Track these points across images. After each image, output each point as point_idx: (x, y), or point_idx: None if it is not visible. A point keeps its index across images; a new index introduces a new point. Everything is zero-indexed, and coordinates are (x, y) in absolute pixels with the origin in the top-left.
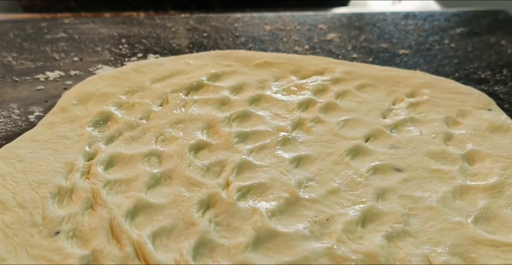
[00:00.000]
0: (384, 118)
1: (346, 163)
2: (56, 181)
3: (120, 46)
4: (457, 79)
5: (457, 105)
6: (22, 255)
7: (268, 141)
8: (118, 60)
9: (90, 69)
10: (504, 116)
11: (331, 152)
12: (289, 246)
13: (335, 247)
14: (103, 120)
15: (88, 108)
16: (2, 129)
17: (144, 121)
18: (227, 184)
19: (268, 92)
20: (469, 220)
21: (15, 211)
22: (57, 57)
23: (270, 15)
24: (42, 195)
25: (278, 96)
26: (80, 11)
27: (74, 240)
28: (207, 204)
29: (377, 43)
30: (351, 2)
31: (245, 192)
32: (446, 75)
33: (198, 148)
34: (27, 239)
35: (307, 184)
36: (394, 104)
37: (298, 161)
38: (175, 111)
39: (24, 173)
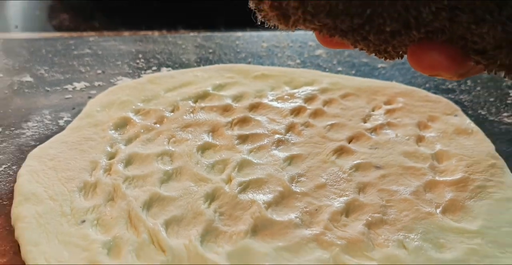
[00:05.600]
0: (365, 122)
1: (332, 162)
2: (82, 177)
3: (137, 61)
4: (428, 89)
5: (427, 111)
6: (53, 240)
7: (265, 142)
8: (135, 72)
9: (112, 80)
10: (468, 121)
11: (319, 152)
12: (283, 233)
13: (322, 234)
14: (123, 124)
15: (110, 114)
16: (35, 132)
17: (158, 125)
18: (229, 180)
19: (265, 100)
20: (437, 211)
21: (47, 203)
22: (83, 70)
23: (266, 33)
24: (70, 189)
25: (274, 103)
26: (103, 30)
27: (97, 228)
28: (212, 197)
29: (358, 58)
30: None
31: (245, 187)
32: (419, 86)
33: (204, 148)
34: (57, 227)
35: (298, 180)
36: (373, 111)
37: (291, 160)
38: (184, 117)
39: (55, 170)
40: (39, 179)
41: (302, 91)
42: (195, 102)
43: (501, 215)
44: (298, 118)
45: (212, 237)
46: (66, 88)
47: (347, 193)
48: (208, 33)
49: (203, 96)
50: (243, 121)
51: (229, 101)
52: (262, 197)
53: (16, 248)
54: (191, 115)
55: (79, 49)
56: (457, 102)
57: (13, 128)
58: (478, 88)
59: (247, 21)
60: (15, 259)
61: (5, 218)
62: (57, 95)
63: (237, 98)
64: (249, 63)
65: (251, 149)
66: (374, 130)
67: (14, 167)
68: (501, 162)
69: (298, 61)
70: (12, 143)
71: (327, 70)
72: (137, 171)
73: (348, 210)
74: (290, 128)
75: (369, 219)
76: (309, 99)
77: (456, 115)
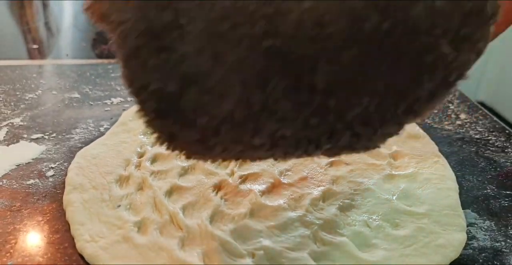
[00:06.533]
0: None
1: (312, 159)
2: (118, 171)
3: None
4: None
5: None
6: (95, 221)
7: None
8: None
9: None
10: (417, 128)
11: None
12: (274, 215)
13: (304, 215)
14: (150, 130)
15: (139, 123)
16: (82, 136)
17: None
18: (232, 173)
19: None
20: (394, 198)
21: (91, 191)
22: (119, 88)
23: None
24: (108, 181)
25: None
26: None
27: (130, 211)
28: (219, 187)
29: None
30: None
31: (244, 179)
32: None
33: None
34: (98, 210)
35: (286, 173)
36: None
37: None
38: None
39: (96, 166)
40: (84, 173)
41: None
42: None
43: (443, 200)
44: None
45: (219, 218)
46: (106, 103)
47: (323, 184)
48: None
49: None
50: None
51: None
52: (257, 187)
53: (67, 226)
54: None
55: (115, 72)
56: None
57: (65, 134)
58: None
59: None
60: (66, 235)
61: (58, 204)
62: (98, 108)
63: None
64: None
65: None
66: None
67: (65, 164)
68: (443, 159)
69: None
70: (64, 145)
71: None
72: (160, 167)
73: (324, 197)
74: None
75: (341, 204)
76: None
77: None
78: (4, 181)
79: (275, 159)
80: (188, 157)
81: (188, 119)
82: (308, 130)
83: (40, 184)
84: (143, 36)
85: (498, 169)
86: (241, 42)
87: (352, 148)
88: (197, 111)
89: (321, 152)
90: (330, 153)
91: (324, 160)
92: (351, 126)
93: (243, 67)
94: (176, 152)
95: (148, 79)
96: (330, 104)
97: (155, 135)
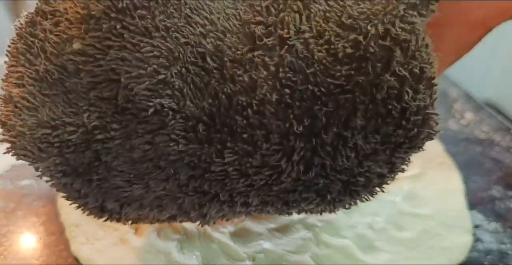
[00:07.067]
0: None
1: None
2: None
3: None
4: None
5: None
6: (91, 222)
7: None
8: None
9: None
10: None
11: None
12: (275, 217)
13: (306, 217)
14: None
15: None
16: None
17: None
18: None
19: None
20: (398, 199)
21: None
22: None
23: None
24: None
25: None
26: None
27: None
28: None
29: None
30: None
31: None
32: None
33: None
34: None
35: None
36: None
37: None
38: None
39: None
40: None
41: None
42: None
43: (448, 202)
44: None
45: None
46: None
47: None
48: None
49: None
50: None
51: None
52: None
53: (62, 228)
54: None
55: None
56: None
57: None
58: None
59: None
60: (61, 237)
61: (53, 205)
62: None
63: None
64: None
65: None
66: None
67: None
68: (448, 160)
69: None
70: None
71: None
72: None
73: None
74: None
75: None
76: None
77: None
78: None
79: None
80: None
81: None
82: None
83: (35, 185)
84: (67, 176)
85: (503, 169)
86: (167, 181)
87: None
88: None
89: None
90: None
91: None
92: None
93: (175, 199)
94: None
95: (85, 201)
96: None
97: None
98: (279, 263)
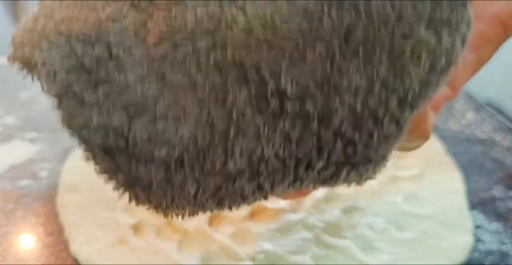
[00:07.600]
0: None
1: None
2: None
3: None
4: None
5: None
6: (90, 223)
7: None
8: None
9: None
10: None
11: None
12: (275, 217)
13: (306, 218)
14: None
15: None
16: None
17: None
18: None
19: None
20: (398, 199)
21: (86, 193)
22: None
23: None
24: (104, 182)
25: None
26: None
27: (126, 213)
28: None
29: None
30: None
31: None
32: None
33: None
34: (93, 212)
35: None
36: None
37: None
38: None
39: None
40: (79, 174)
41: None
42: None
43: (449, 202)
44: None
45: (218, 220)
46: None
47: None
48: None
49: None
50: None
51: None
52: None
53: (61, 229)
54: None
55: None
56: None
57: (59, 133)
58: None
59: None
60: (60, 238)
61: (52, 205)
62: None
63: None
64: None
65: None
66: None
67: (60, 164)
68: (449, 160)
69: None
70: (58, 145)
71: None
72: None
73: (327, 199)
74: None
75: (344, 206)
76: None
77: None
78: None
79: (265, 197)
80: (160, 210)
81: (144, 153)
82: (291, 146)
83: (34, 185)
84: (73, 72)
85: (504, 169)
86: (185, 61)
87: (351, 164)
88: (152, 142)
89: (315, 177)
90: (326, 177)
91: None
92: (341, 131)
93: (194, 85)
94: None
95: (88, 115)
96: (308, 109)
97: (112, 183)
98: (279, 264)
